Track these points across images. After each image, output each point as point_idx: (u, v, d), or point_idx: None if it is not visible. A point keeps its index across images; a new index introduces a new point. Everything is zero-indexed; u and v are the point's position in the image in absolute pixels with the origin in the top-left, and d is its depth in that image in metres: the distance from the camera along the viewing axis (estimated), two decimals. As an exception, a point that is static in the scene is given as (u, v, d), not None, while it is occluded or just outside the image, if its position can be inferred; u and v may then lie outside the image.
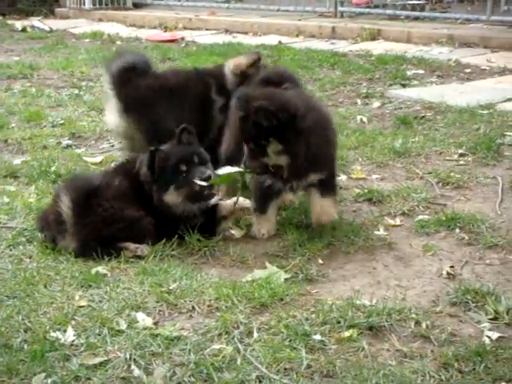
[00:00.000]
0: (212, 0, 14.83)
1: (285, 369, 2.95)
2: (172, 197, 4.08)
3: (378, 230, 4.30)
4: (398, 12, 12.28)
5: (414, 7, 12.65)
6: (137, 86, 4.89)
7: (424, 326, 3.23)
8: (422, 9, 12.66)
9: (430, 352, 3.05)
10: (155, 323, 3.30)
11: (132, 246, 3.98)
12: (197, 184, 4.04)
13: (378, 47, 10.17)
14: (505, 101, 7.02)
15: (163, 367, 2.94)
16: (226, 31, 12.37)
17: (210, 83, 5.07)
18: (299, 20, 12.41)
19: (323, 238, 4.12)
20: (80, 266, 3.83)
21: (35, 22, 13.88)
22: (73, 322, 3.27)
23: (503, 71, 8.42)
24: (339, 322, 3.24)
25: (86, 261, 3.91)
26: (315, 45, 10.64)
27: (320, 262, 3.91)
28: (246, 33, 12.10)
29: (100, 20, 14.24)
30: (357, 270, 3.84)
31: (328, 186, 4.21)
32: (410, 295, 3.55)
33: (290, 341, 3.12)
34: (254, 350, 3.07)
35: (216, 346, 3.08)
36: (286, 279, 3.69)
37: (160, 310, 3.42)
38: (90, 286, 3.63)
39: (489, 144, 5.61)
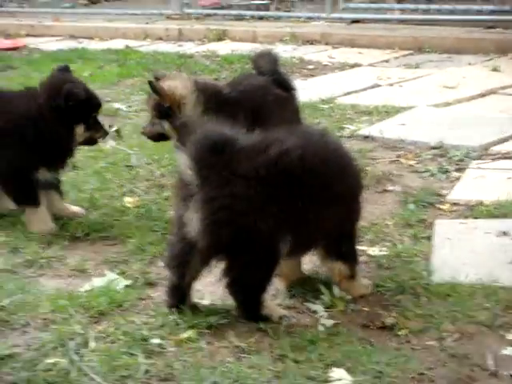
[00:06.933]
0: (56, 5, 14.39)
1: (122, 376, 2.88)
2: None
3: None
4: (243, 12, 12.42)
5: (258, 7, 12.85)
6: None
7: (263, 319, 3.26)
8: (267, 9, 12.88)
9: (268, 345, 3.08)
10: (-15, 343, 3.14)
11: None
12: None
13: (224, 47, 10.25)
14: (344, 94, 7.26)
15: (-8, 388, 2.80)
16: (72, 37, 12.06)
17: None
18: (147, 23, 12.31)
19: (165, 240, 4.08)
20: None
21: None
22: None
23: (343, 66, 8.71)
24: (178, 324, 3.21)
25: None
26: (162, 47, 10.59)
27: (161, 264, 3.86)
28: (91, 38, 11.84)
29: None
30: (198, 269, 3.82)
31: None
32: (251, 290, 3.57)
33: (128, 347, 3.05)
34: (90, 360, 2.97)
35: (50, 360, 2.96)
36: (126, 285, 3.61)
37: (-9, 329, 3.26)
38: None
39: (328, 137, 5.75)
